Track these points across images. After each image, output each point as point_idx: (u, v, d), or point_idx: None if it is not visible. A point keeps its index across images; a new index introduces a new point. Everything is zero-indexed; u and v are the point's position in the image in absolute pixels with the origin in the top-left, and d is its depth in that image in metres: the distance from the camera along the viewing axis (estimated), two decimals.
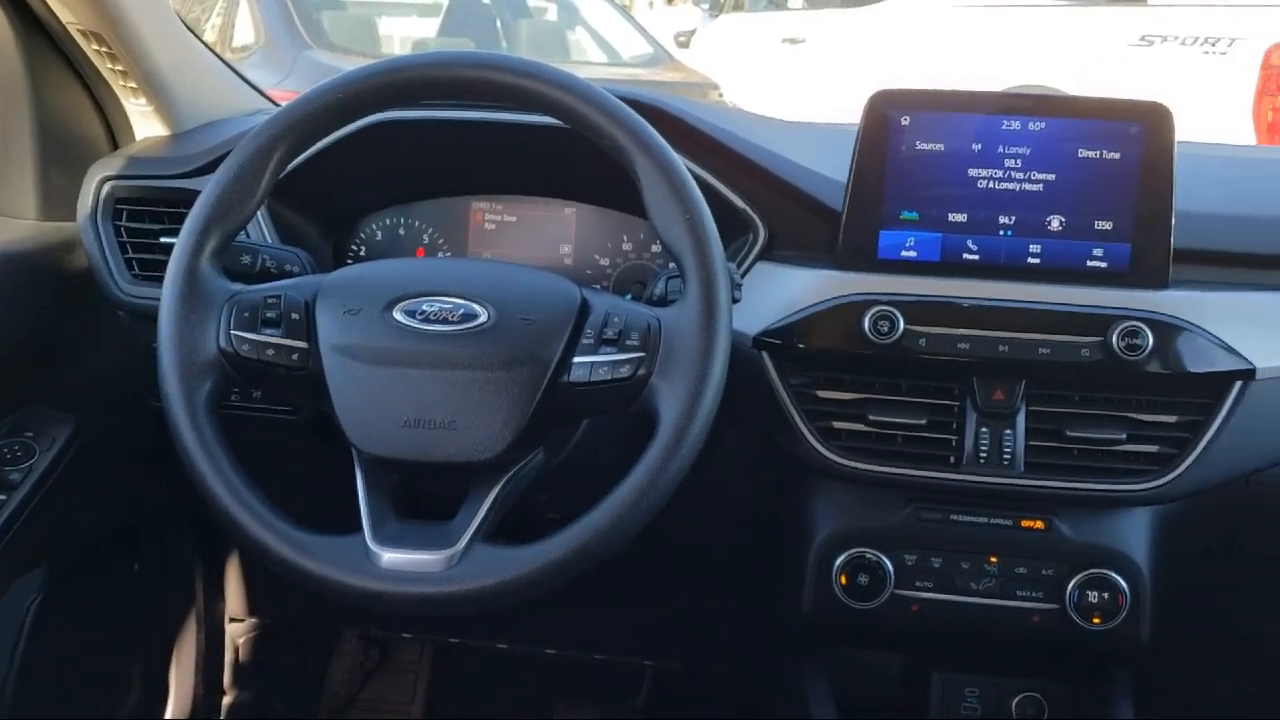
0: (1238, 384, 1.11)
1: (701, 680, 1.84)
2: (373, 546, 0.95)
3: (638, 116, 1.00)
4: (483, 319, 1.00)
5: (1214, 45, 4.39)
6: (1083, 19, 4.92)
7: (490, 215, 1.37)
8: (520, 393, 0.97)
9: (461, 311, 1.01)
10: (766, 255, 1.22)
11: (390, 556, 0.94)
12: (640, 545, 0.97)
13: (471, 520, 0.97)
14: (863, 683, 1.40)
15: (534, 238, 1.36)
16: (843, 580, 1.19)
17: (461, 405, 0.97)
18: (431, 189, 1.37)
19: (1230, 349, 1.11)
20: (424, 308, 1.01)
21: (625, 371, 0.98)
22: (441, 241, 1.38)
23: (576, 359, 0.99)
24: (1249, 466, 1.16)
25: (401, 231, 1.38)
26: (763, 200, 1.22)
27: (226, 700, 1.78)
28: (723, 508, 1.30)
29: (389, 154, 1.31)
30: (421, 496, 1.03)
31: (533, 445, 1.03)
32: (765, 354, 1.16)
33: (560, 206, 1.36)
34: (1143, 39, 4.55)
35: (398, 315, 1.00)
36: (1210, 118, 4.09)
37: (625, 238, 1.34)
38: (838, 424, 1.16)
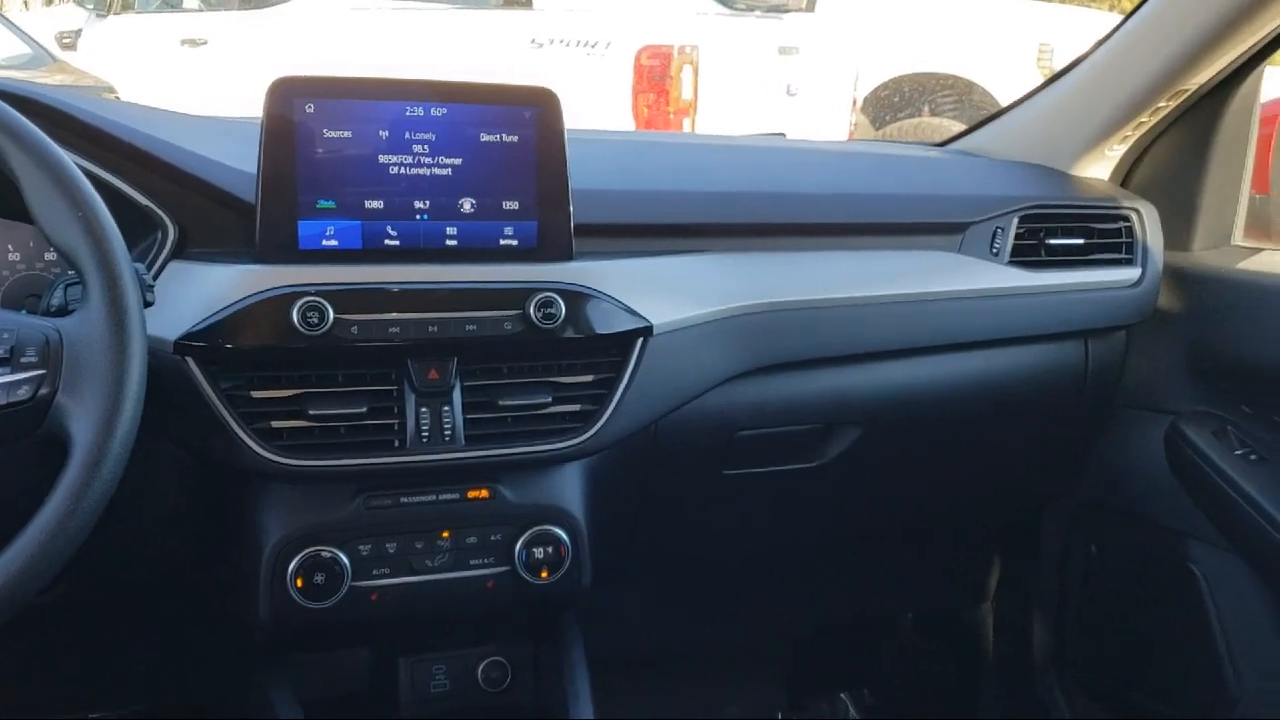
0: (639, 340, 1.23)
1: None
2: None
3: (6, 107, 0.90)
4: None
5: (594, 48, 4.85)
6: (477, 21, 5.19)
7: None
8: None
9: None
10: (180, 254, 1.15)
11: None
12: (69, 584, 0.87)
13: None
14: (331, 685, 1.38)
15: None
16: (299, 583, 1.16)
17: None
18: None
19: (631, 310, 1.22)
20: None
21: (24, 393, 0.87)
22: None
23: None
24: (655, 414, 1.29)
25: None
26: (168, 196, 1.15)
27: None
28: (158, 529, 1.21)
29: None
30: None
31: None
32: (189, 359, 1.09)
33: None
34: (533, 41, 4.90)
35: None
36: (599, 112, 4.52)
37: (10, 247, 1.19)
38: (276, 423, 1.12)
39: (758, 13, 5.35)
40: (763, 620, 1.96)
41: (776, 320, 1.35)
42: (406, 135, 1.15)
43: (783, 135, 2.09)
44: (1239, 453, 1.53)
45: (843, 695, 2.17)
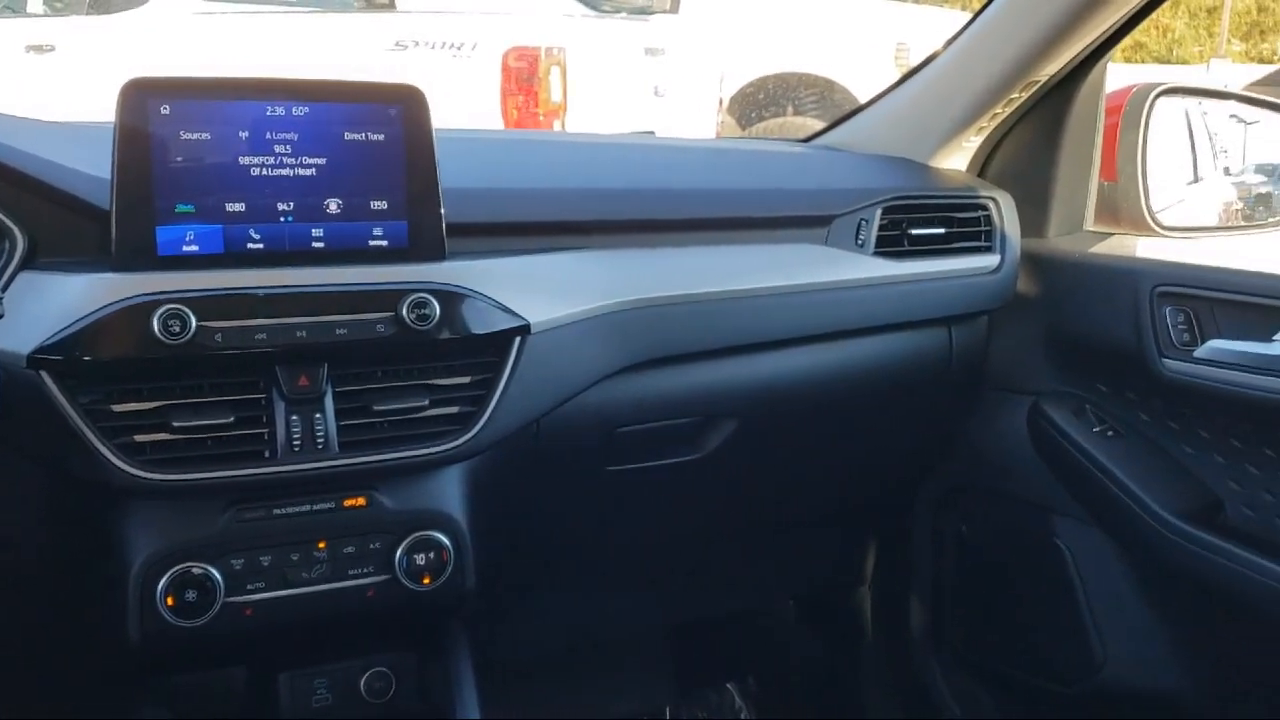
0: (517, 340, 1.22)
1: None
2: None
3: None
4: None
5: (459, 50, 4.80)
6: (340, 24, 5.08)
7: None
8: None
9: None
10: (31, 264, 1.09)
11: None
12: None
13: None
14: (209, 705, 1.34)
15: None
16: (169, 601, 1.12)
17: None
18: None
19: (507, 309, 1.21)
20: None
21: None
22: None
23: None
24: (535, 413, 1.28)
25: None
26: (16, 203, 1.10)
27: None
28: (19, 549, 1.16)
29: None
30: None
31: None
32: (44, 373, 1.04)
33: None
34: (397, 44, 4.83)
35: None
36: (468, 115, 4.48)
37: None
38: (140, 437, 1.08)
39: (623, 14, 5.37)
40: (648, 615, 1.97)
41: (651, 316, 1.36)
42: (268, 135, 1.12)
43: (652, 134, 2.10)
44: (1097, 430, 1.60)
45: (729, 685, 2.19)
